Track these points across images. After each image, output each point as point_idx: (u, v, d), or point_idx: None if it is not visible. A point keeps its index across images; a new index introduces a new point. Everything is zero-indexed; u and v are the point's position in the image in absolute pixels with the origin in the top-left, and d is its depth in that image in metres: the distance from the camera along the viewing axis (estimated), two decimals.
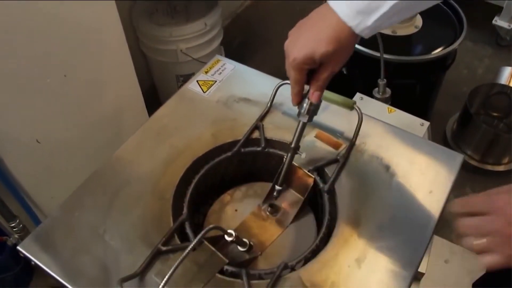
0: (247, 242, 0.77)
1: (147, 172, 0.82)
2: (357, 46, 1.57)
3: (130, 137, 0.87)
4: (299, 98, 0.69)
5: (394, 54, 1.53)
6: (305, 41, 0.63)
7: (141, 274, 0.69)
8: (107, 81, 1.16)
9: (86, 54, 1.08)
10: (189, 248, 0.62)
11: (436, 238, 1.54)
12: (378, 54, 1.51)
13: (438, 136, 1.86)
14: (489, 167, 1.72)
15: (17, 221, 1.13)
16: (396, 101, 1.70)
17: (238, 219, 0.84)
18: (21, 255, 1.00)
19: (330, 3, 0.61)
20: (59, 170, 1.11)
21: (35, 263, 0.73)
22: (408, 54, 1.57)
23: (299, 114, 0.72)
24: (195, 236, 0.73)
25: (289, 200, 0.85)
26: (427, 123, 0.98)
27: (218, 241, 0.77)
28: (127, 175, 0.82)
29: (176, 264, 0.60)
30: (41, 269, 0.72)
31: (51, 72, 1.02)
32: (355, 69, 1.66)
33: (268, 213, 0.84)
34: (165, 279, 0.59)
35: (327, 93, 0.85)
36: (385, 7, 0.58)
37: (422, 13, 1.65)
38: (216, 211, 0.87)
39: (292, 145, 0.75)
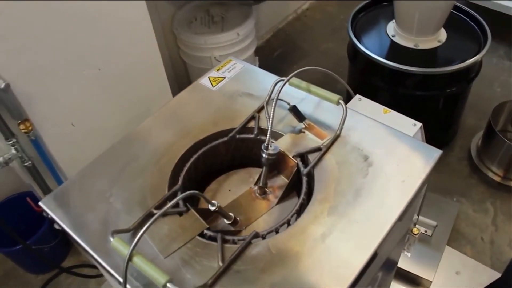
0: (232, 216, 0.87)
1: (153, 150, 0.94)
2: (378, 58, 1.64)
3: (145, 121, 1.00)
4: None
5: (417, 67, 1.57)
6: None
7: (134, 230, 0.80)
8: (137, 76, 1.31)
9: (119, 51, 1.24)
10: (166, 207, 0.72)
11: (449, 249, 1.54)
12: (400, 66, 1.58)
13: (463, 151, 1.86)
14: None
15: None
16: (420, 113, 1.74)
17: (231, 198, 0.94)
18: (44, 214, 1.16)
19: None
20: (91, 151, 1.26)
21: (51, 216, 0.86)
22: (431, 67, 1.61)
23: (261, 162, 0.87)
24: (185, 204, 0.85)
25: (277, 183, 0.94)
26: (419, 124, 1.03)
27: (209, 215, 0.87)
28: (136, 151, 0.94)
29: (153, 218, 0.70)
30: (56, 222, 0.86)
31: (87, 65, 1.18)
32: (378, 81, 1.72)
33: (257, 194, 0.93)
34: (142, 230, 0.69)
35: (315, 88, 0.94)
36: None
37: (446, 27, 1.69)
38: (212, 190, 0.97)
39: (260, 184, 0.90)
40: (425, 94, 1.66)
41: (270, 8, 2.51)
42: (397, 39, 1.69)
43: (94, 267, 1.67)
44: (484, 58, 1.61)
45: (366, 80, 1.77)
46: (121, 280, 0.72)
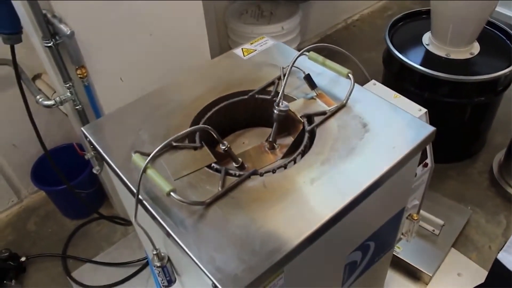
0: (240, 160, 0.99)
1: (183, 99, 1.08)
2: (409, 62, 1.72)
3: (180, 76, 1.15)
4: None
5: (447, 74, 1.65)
6: None
7: (153, 156, 0.93)
8: (184, 46, 1.47)
9: (170, 23, 1.41)
10: (181, 133, 0.86)
11: (454, 252, 1.58)
12: (430, 71, 1.66)
13: (486, 165, 1.89)
14: None
15: None
16: (448, 121, 1.80)
17: (243, 148, 1.07)
18: (86, 157, 1.32)
19: None
20: None
21: (88, 139, 1.02)
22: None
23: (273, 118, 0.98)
24: (200, 142, 0.98)
25: (285, 142, 1.06)
26: (424, 110, 1.12)
27: (220, 158, 1.00)
28: (168, 99, 1.08)
29: (168, 140, 0.84)
30: (92, 145, 1.01)
31: (141, 29, 1.35)
32: (409, 85, 1.80)
33: (267, 148, 1.05)
34: (158, 148, 0.83)
35: (330, 62, 1.05)
36: None
37: (481, 42, 1.75)
38: (228, 140, 1.10)
39: (270, 139, 1.01)
40: (453, 101, 1.72)
41: (321, 15, 2.65)
42: (430, 48, 1.77)
43: (123, 219, 1.84)
44: None
45: (398, 84, 1.85)
46: (135, 190, 0.86)
